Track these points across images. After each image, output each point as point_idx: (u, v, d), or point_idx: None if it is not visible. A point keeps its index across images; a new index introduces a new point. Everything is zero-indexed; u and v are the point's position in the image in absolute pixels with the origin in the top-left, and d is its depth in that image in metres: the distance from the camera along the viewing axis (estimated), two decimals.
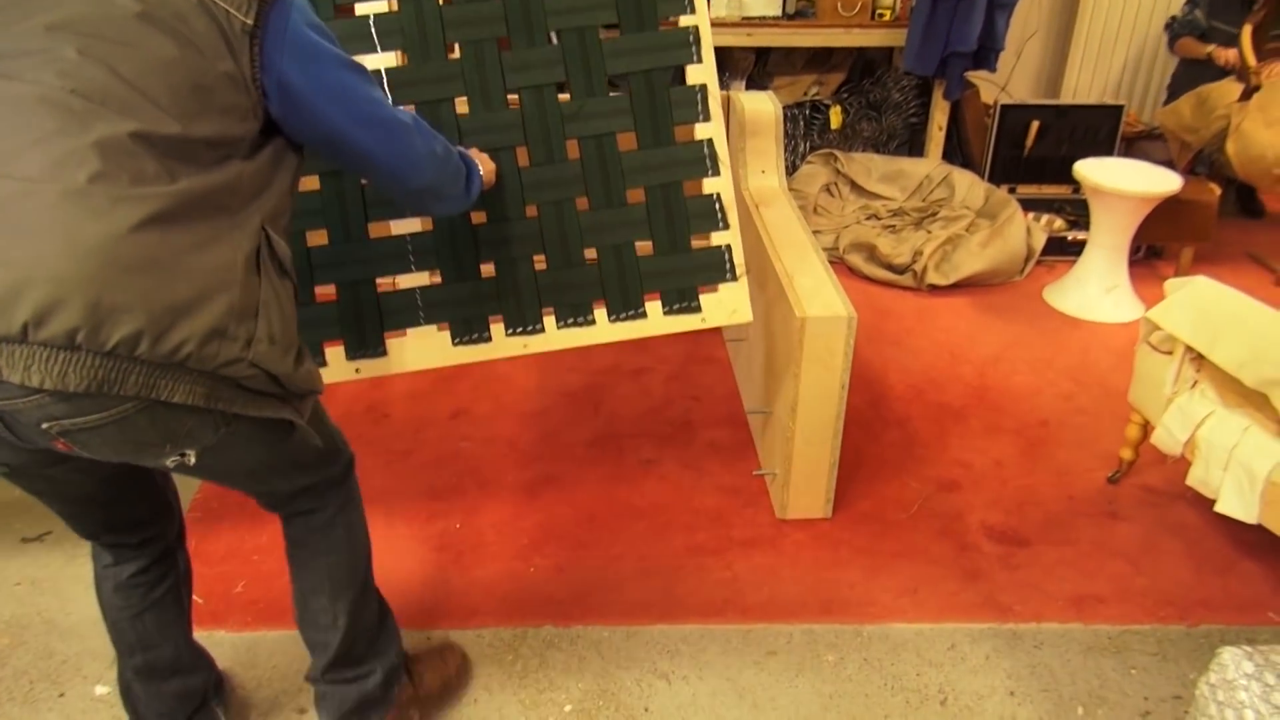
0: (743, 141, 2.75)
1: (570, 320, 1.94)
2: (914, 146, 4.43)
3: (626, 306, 1.95)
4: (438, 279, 1.94)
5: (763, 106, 2.74)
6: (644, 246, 1.98)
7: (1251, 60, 3.64)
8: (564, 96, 1.97)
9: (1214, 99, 3.71)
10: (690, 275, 1.98)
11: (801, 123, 4.33)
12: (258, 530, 2.27)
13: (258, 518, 2.13)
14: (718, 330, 3.16)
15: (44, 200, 1.09)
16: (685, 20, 1.99)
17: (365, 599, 1.70)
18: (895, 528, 2.36)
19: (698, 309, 1.98)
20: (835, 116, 4.30)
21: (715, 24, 3.98)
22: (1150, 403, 2.33)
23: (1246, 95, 3.58)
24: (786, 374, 2.22)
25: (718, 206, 1.99)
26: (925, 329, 3.32)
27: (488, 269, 1.95)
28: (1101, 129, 4.10)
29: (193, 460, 1.29)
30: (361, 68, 1.40)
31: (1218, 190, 3.58)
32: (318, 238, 1.91)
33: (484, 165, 1.80)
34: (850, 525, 2.36)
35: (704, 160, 1.99)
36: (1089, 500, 2.48)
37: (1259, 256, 3.88)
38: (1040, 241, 3.70)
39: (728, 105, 2.90)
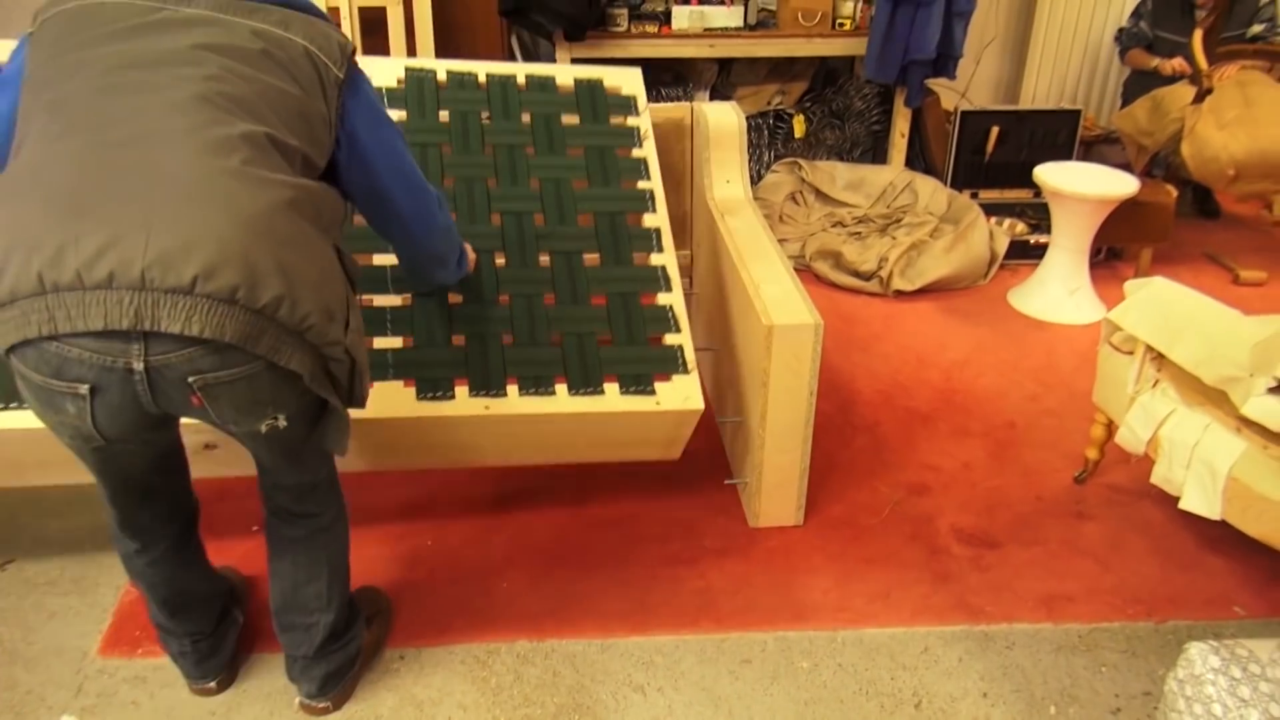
0: (707, 152, 2.77)
1: (532, 390, 2.04)
2: (877, 154, 4.47)
3: (586, 384, 2.06)
4: (410, 343, 2.07)
5: (726, 117, 2.76)
6: (604, 338, 2.15)
7: (1203, 64, 3.72)
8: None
9: (1168, 103, 3.78)
10: (646, 365, 2.11)
11: (765, 132, 4.36)
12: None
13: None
14: None
15: (205, 174, 1.30)
16: (643, 184, 2.40)
17: (348, 581, 1.87)
18: (866, 533, 2.37)
19: (652, 393, 2.08)
20: (799, 125, 4.34)
21: (678, 35, 4.01)
22: (1114, 402, 2.36)
23: (1199, 98, 3.65)
24: (755, 382, 2.23)
25: (670, 316, 2.20)
26: (892, 334, 3.34)
27: (458, 340, 2.08)
28: (1060, 133, 4.16)
29: (282, 424, 1.47)
30: (405, 140, 1.69)
31: (1174, 192, 3.64)
32: None
33: (468, 253, 2.09)
34: (822, 531, 2.37)
35: (658, 279, 2.25)
36: (1056, 500, 2.50)
37: (1216, 256, 3.95)
38: (1003, 246, 3.75)
39: (692, 117, 2.91)
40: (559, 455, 2.21)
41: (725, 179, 2.78)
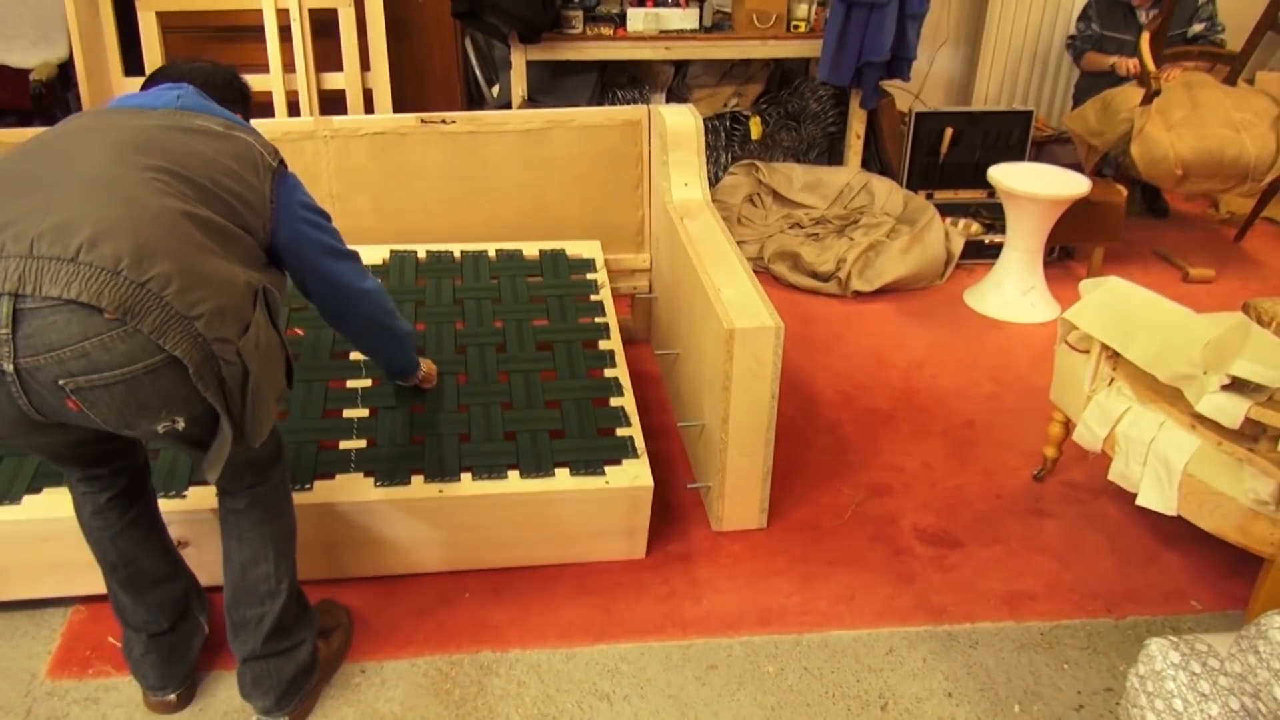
0: (665, 155, 2.76)
1: (486, 475, 2.13)
2: (833, 155, 4.49)
3: (538, 470, 2.15)
4: (373, 443, 2.20)
5: (683, 120, 2.75)
6: (557, 432, 2.26)
7: (1151, 66, 3.78)
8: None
9: (1118, 103, 3.84)
10: (596, 453, 2.20)
11: (722, 134, 4.36)
12: None
13: None
14: (647, 344, 3.15)
15: (113, 177, 1.41)
16: (599, 319, 2.63)
17: (295, 566, 1.84)
18: (830, 535, 2.37)
19: (602, 474, 2.15)
20: (755, 127, 4.34)
21: (633, 37, 4.00)
22: (1070, 401, 2.38)
23: (1148, 100, 3.71)
24: (716, 386, 2.22)
25: (622, 414, 2.32)
26: (851, 335, 3.36)
27: (418, 439, 2.22)
28: (1012, 134, 4.21)
29: (182, 426, 1.47)
30: (328, 219, 1.86)
31: (1124, 191, 3.70)
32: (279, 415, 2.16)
33: (429, 367, 2.32)
34: (785, 534, 2.37)
35: (610, 389, 2.40)
36: (1016, 499, 2.52)
37: (1166, 254, 4.01)
38: (959, 246, 3.78)
39: (649, 120, 2.90)
40: (518, 553, 2.22)
41: (683, 182, 2.77)
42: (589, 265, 2.84)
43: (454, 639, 2.05)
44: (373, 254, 2.76)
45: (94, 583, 2.00)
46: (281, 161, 1.73)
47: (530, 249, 2.88)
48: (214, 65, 1.86)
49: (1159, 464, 2.06)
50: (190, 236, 1.43)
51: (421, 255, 2.81)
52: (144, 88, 1.79)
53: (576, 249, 2.90)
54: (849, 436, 2.78)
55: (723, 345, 2.13)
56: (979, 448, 2.74)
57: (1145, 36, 3.88)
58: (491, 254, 2.84)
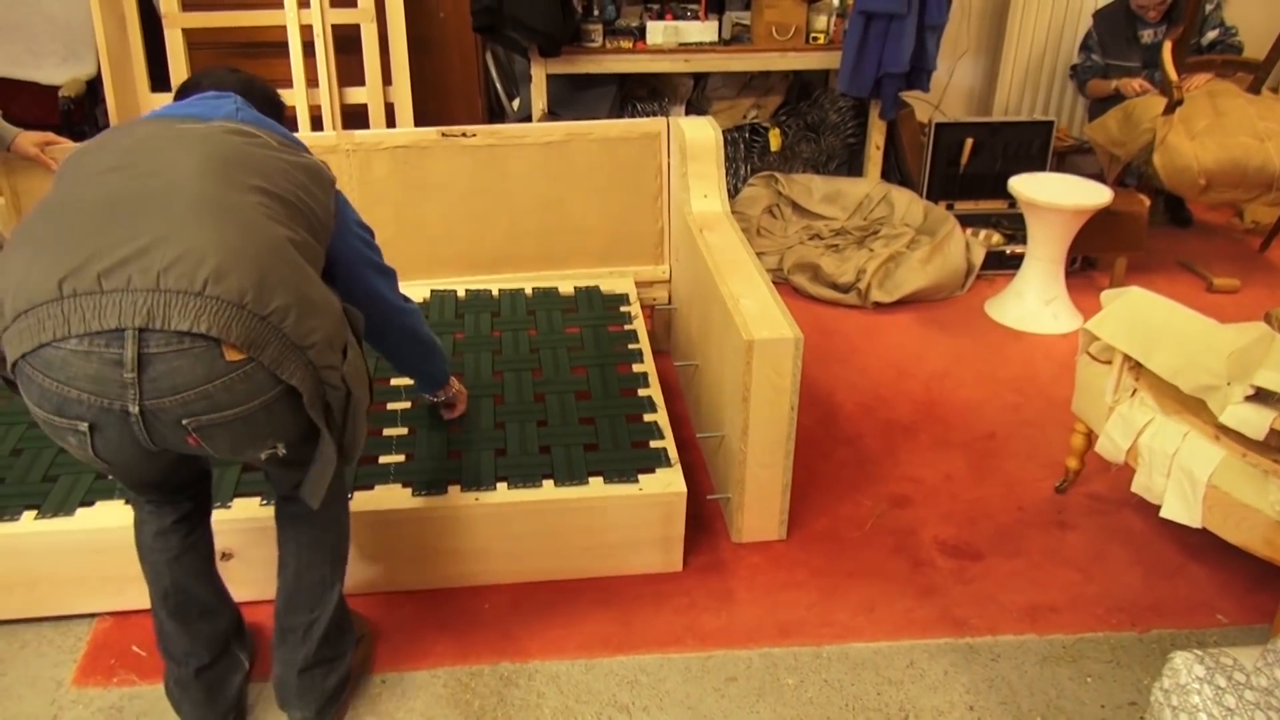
0: (684, 166, 2.77)
1: (520, 484, 2.16)
2: (853, 166, 4.49)
3: (572, 479, 2.18)
4: (410, 458, 2.24)
5: (703, 132, 2.76)
6: (591, 444, 2.30)
7: (1173, 75, 3.76)
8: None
9: (1139, 113, 3.82)
10: (630, 463, 2.24)
11: (741, 146, 4.36)
12: None
13: None
14: (666, 355, 3.16)
15: (223, 203, 1.44)
16: (632, 346, 2.69)
17: (343, 578, 1.86)
18: (850, 546, 2.36)
19: (636, 482, 2.18)
20: (774, 139, 4.35)
21: (653, 50, 4.02)
22: (1092, 412, 2.37)
23: (1170, 109, 3.69)
24: (736, 397, 2.22)
25: (656, 427, 2.36)
26: (871, 346, 3.35)
27: (454, 454, 2.26)
28: (1033, 144, 4.19)
29: (283, 452, 1.53)
30: (373, 235, 1.94)
31: (1147, 201, 3.67)
32: None
33: (461, 392, 2.37)
34: (805, 546, 2.36)
35: (644, 406, 2.44)
36: (1038, 510, 2.51)
37: (1190, 264, 3.98)
38: (979, 256, 3.77)
39: (668, 132, 2.91)
40: (556, 565, 2.23)
41: (703, 193, 2.78)
42: (623, 299, 2.91)
43: (474, 650, 2.05)
44: (413, 292, 2.79)
45: (144, 597, 2.05)
46: (332, 176, 1.77)
47: (565, 285, 2.96)
48: (252, 77, 1.88)
49: (1183, 476, 2.05)
50: (297, 264, 1.48)
51: (461, 294, 2.92)
52: (180, 94, 1.80)
53: (610, 284, 2.98)
54: (869, 448, 2.77)
55: (742, 356, 2.13)
56: (1000, 459, 2.72)
57: (1167, 46, 3.86)
58: (528, 291, 2.93)
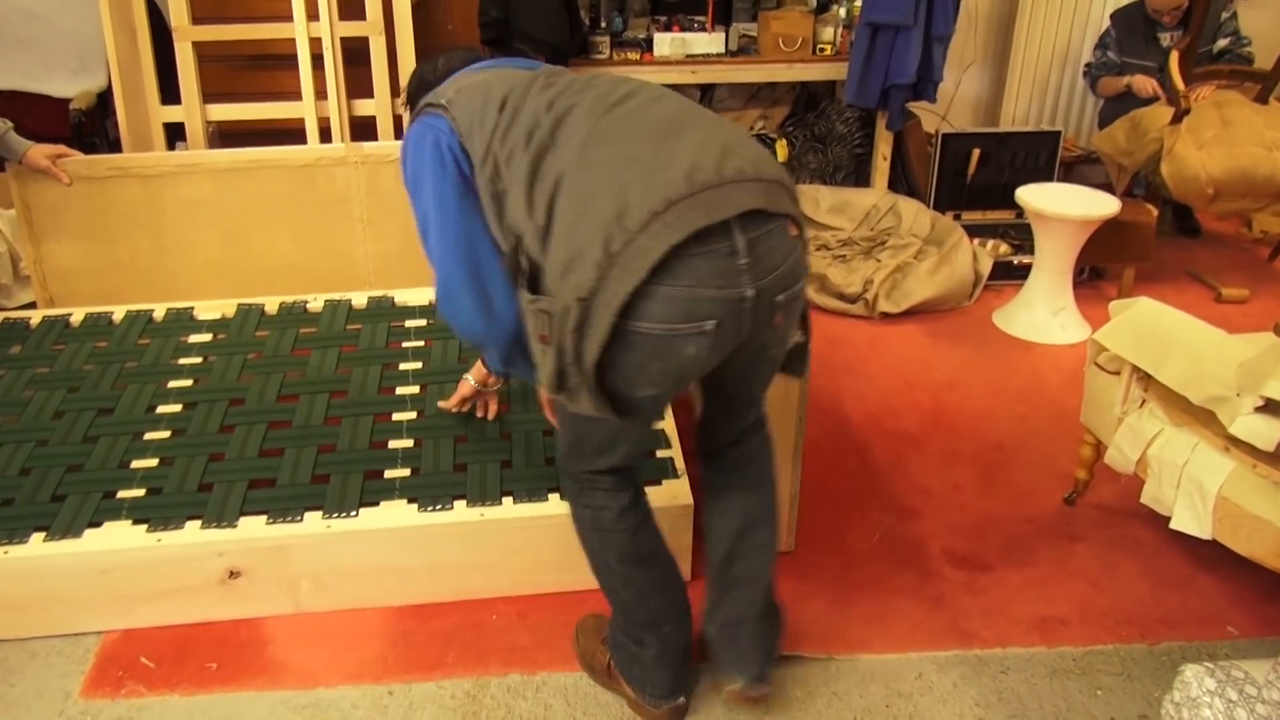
0: None
1: (526, 499, 2.16)
2: (860, 177, 4.49)
3: None
4: (416, 472, 2.24)
5: None
6: None
7: (1180, 85, 3.76)
8: None
9: (1147, 123, 3.82)
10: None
11: None
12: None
13: None
14: None
15: (708, 116, 1.59)
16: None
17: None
18: (858, 558, 2.36)
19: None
20: (781, 150, 4.36)
21: (660, 62, 4.04)
22: (1101, 423, 2.36)
23: (1177, 119, 3.69)
24: None
25: (663, 435, 2.36)
26: (879, 357, 3.34)
27: (461, 468, 2.25)
28: (1041, 154, 4.19)
29: (800, 338, 1.70)
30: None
31: (1155, 211, 3.67)
32: (327, 446, 2.32)
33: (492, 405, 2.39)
34: (813, 557, 2.36)
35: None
36: (1047, 522, 2.50)
37: (1198, 274, 3.97)
38: (987, 267, 3.76)
39: None
40: (565, 577, 2.22)
41: None
42: None
43: (482, 661, 2.05)
44: (421, 301, 2.87)
45: (154, 615, 2.11)
46: None
47: None
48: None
49: (1193, 487, 2.04)
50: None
51: None
52: (450, 70, 1.91)
53: None
54: (877, 459, 2.76)
55: None
56: (1009, 470, 2.71)
57: (1174, 55, 3.86)
58: None
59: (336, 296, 2.88)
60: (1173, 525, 2.08)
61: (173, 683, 1.99)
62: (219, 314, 2.80)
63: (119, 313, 2.80)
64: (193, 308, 2.83)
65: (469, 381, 2.32)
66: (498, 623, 2.15)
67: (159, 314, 2.80)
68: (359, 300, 2.86)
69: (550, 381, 1.54)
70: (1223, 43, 4.13)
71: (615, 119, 1.54)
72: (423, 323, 2.78)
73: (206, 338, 2.70)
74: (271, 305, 2.82)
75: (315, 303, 2.84)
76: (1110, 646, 2.10)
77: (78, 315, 2.80)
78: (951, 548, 2.40)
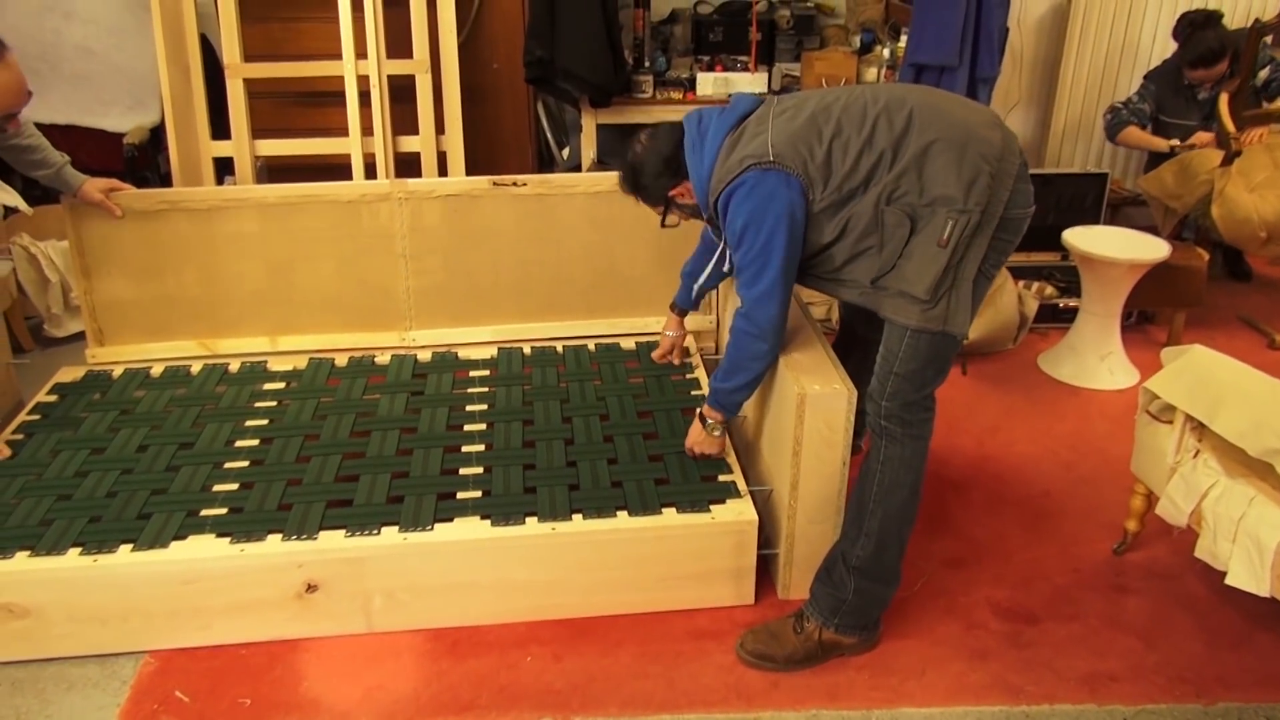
0: None
1: (595, 515, 2.22)
2: None
3: (645, 509, 2.24)
4: (487, 493, 2.31)
5: None
6: (662, 479, 2.37)
7: (1231, 127, 3.70)
8: None
9: (1196, 165, 3.76)
10: (701, 495, 2.29)
11: None
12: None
13: None
14: None
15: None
16: (695, 392, 2.51)
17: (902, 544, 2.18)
18: (900, 606, 2.30)
19: (708, 511, 2.24)
20: None
21: (702, 101, 4.04)
22: (1153, 473, 2.30)
23: (1228, 161, 3.63)
24: (786, 451, 2.19)
25: (724, 463, 2.41)
26: None
27: (531, 490, 2.33)
28: (1087, 196, 4.14)
29: None
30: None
31: (1206, 255, 3.60)
32: (400, 473, 2.40)
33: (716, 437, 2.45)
34: None
35: None
36: (1096, 573, 2.43)
37: (1250, 320, 3.89)
38: (1032, 309, 3.70)
39: None
40: (631, 597, 2.26)
41: None
42: (684, 351, 2.95)
43: (515, 704, 2.02)
44: (480, 350, 2.99)
45: (230, 631, 2.16)
46: None
47: (627, 341, 3.04)
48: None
49: (1249, 542, 1.97)
50: None
51: (527, 350, 3.00)
52: (677, 141, 2.31)
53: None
54: (921, 505, 2.70)
55: (793, 409, 2.11)
56: (1056, 519, 2.65)
57: (1223, 98, 3.81)
58: (591, 346, 3.01)
59: (402, 351, 3.00)
60: (1228, 581, 2.01)
61: (205, 719, 1.98)
62: (290, 365, 2.91)
63: (196, 366, 2.91)
64: (265, 360, 2.94)
65: (668, 335, 2.82)
66: (532, 665, 2.12)
67: (234, 366, 2.91)
68: (424, 355, 2.97)
69: (930, 289, 1.90)
70: (1263, 73, 4.04)
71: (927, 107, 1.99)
72: (485, 373, 2.86)
73: (280, 385, 2.81)
74: (341, 359, 2.94)
75: (383, 356, 2.96)
76: (1163, 706, 2.03)
77: (157, 368, 2.91)
78: (996, 598, 2.34)
